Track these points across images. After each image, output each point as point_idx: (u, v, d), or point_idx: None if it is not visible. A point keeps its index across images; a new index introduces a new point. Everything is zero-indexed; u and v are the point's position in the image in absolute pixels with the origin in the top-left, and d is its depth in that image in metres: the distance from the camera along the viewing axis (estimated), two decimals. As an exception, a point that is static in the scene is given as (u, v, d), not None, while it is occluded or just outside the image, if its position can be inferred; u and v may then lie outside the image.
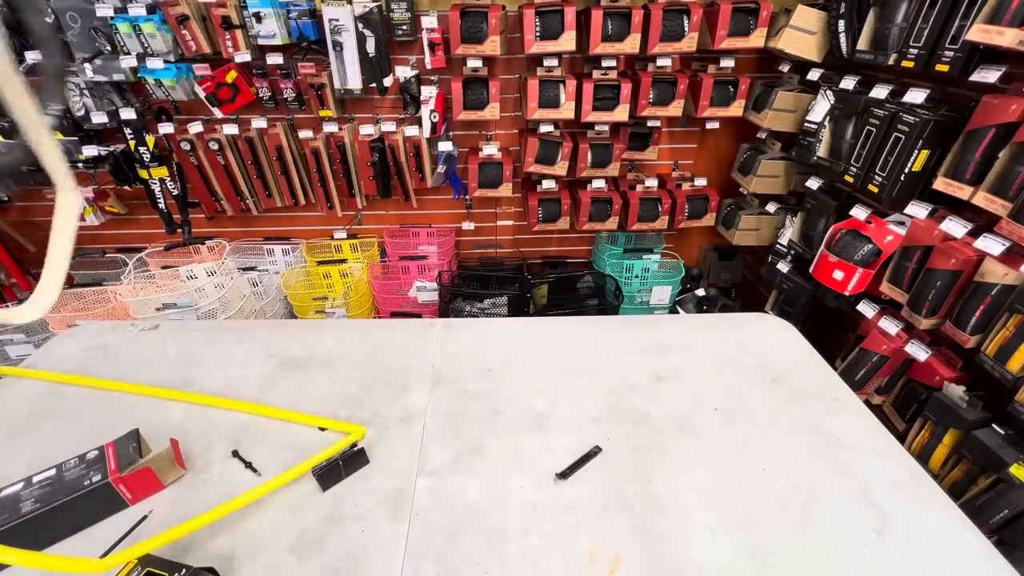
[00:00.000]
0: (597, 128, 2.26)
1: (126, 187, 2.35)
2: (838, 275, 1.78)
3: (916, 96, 1.55)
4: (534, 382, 0.99)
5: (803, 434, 0.89)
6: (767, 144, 2.32)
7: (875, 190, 1.65)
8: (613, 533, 0.71)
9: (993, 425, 1.38)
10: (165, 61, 2.02)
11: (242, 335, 1.14)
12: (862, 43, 1.72)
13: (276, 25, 1.94)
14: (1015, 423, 1.33)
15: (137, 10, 1.92)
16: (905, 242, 1.59)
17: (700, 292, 2.62)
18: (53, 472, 0.73)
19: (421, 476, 0.80)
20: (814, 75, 1.97)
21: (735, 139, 2.51)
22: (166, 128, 2.20)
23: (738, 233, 2.40)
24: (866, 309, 1.80)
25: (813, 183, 2.03)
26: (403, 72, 2.11)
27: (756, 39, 1.97)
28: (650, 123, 2.29)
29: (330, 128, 2.22)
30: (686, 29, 1.96)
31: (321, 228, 2.64)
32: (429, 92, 2.15)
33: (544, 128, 2.21)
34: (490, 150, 2.30)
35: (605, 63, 2.07)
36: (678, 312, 2.58)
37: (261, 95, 2.16)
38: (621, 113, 2.09)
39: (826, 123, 1.85)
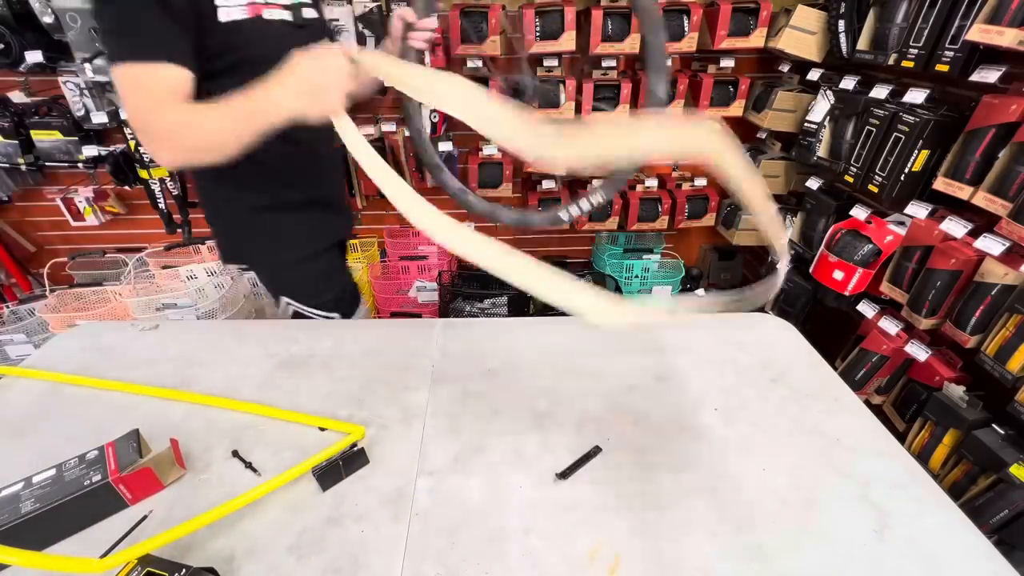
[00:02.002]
0: (597, 128, 2.26)
1: (126, 187, 2.35)
2: (838, 275, 1.78)
3: (916, 96, 1.55)
4: (534, 382, 0.99)
5: (803, 434, 0.89)
6: (767, 144, 2.32)
7: (875, 190, 1.65)
8: (613, 533, 0.71)
9: (993, 425, 1.38)
10: (165, 61, 2.02)
11: (242, 335, 1.14)
12: (862, 43, 1.72)
13: (276, 25, 1.94)
14: (1015, 423, 1.33)
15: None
16: (905, 242, 1.59)
17: (700, 292, 2.62)
18: (53, 472, 0.73)
19: (421, 476, 0.80)
20: (814, 75, 1.97)
21: (735, 139, 2.51)
22: (166, 128, 2.20)
23: (738, 233, 2.40)
24: (866, 309, 1.80)
25: (813, 183, 2.03)
26: (403, 72, 2.11)
27: (756, 39, 1.97)
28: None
29: (330, 128, 2.21)
30: (686, 29, 1.96)
31: (321, 228, 2.64)
32: (429, 92, 2.15)
33: (544, 128, 2.20)
34: (490, 150, 2.30)
35: (605, 63, 2.07)
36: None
37: (261, 95, 2.16)
38: (621, 113, 2.09)
39: (826, 123, 1.85)
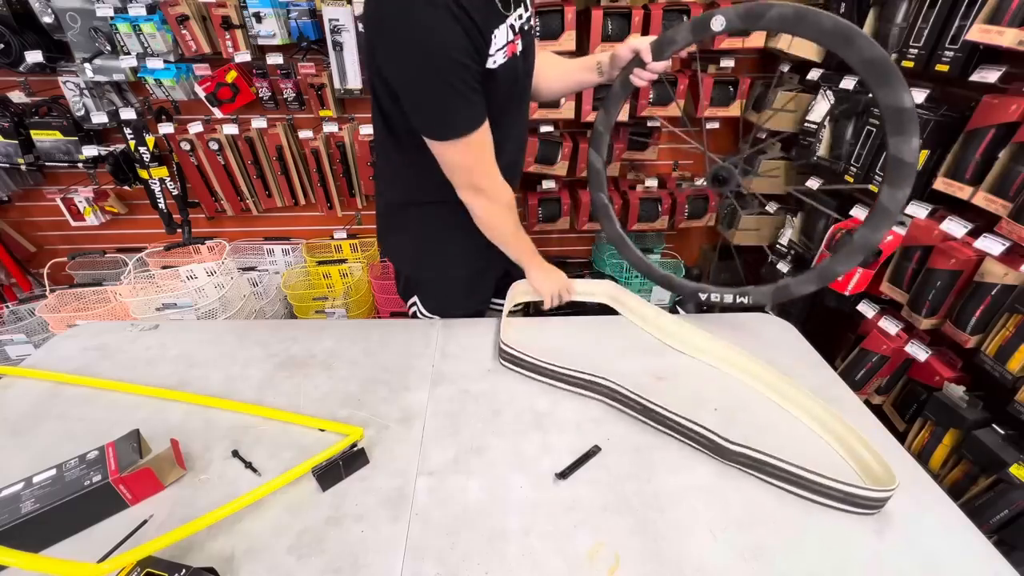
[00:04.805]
0: (597, 128, 2.26)
1: (126, 187, 2.35)
2: (838, 275, 1.78)
3: (916, 96, 1.55)
4: (534, 382, 0.99)
5: (803, 434, 0.89)
6: (767, 144, 2.31)
7: (875, 190, 1.65)
8: (613, 533, 0.71)
9: (993, 425, 1.38)
10: (165, 61, 2.02)
11: (242, 335, 1.14)
12: (862, 43, 1.71)
13: (276, 25, 1.94)
14: (1015, 423, 1.33)
15: (137, 10, 1.92)
16: (905, 242, 1.59)
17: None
18: (53, 472, 0.73)
19: (421, 476, 0.80)
20: (814, 75, 1.97)
21: (735, 139, 2.51)
22: (166, 128, 2.20)
23: (738, 233, 2.39)
24: (866, 309, 1.80)
25: (813, 183, 2.03)
26: (403, 72, 2.11)
27: (756, 39, 1.97)
28: (650, 123, 2.30)
29: (330, 128, 2.22)
30: (686, 29, 1.96)
31: (321, 228, 2.64)
32: (429, 92, 2.14)
33: (544, 128, 2.21)
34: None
35: (605, 63, 2.07)
36: (678, 312, 2.57)
37: (261, 95, 2.16)
38: (621, 113, 2.09)
39: (826, 123, 1.85)
